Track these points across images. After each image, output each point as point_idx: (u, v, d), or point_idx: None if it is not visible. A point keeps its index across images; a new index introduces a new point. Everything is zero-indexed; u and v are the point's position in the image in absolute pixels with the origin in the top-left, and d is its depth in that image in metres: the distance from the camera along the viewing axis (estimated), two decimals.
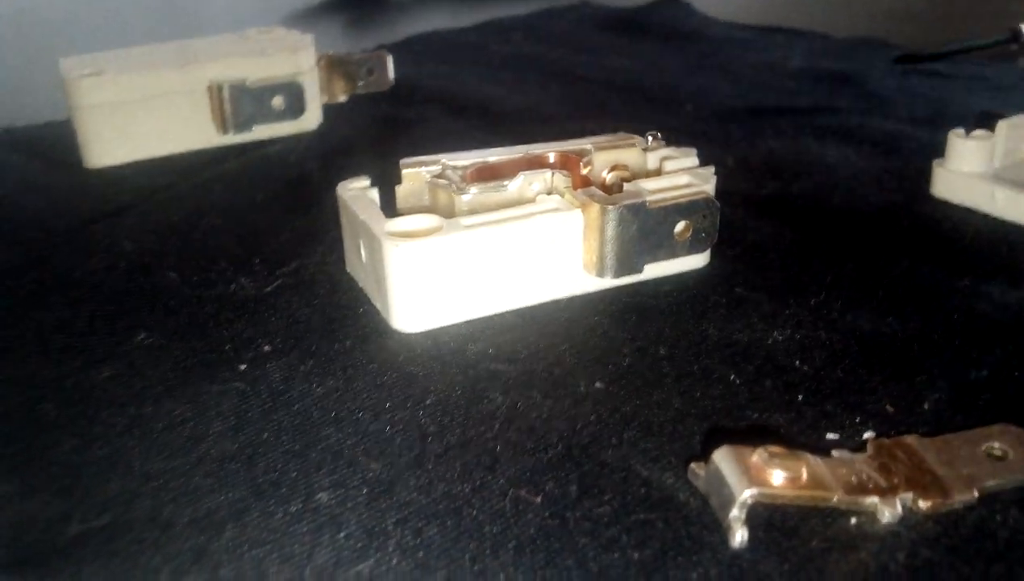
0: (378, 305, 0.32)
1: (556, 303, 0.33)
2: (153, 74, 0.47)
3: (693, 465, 0.23)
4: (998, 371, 0.28)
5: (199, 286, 0.35)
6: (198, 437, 0.26)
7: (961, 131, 0.41)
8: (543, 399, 0.27)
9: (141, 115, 0.47)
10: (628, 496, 0.23)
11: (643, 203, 0.31)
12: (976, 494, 0.22)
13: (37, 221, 0.41)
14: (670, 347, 0.30)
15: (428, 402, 0.27)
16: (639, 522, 0.22)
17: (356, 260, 0.34)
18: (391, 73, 0.56)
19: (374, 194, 0.34)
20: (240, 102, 0.48)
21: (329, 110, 0.53)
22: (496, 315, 0.32)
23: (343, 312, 0.33)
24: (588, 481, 0.24)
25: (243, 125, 0.49)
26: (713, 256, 0.36)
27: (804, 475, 0.22)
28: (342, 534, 0.22)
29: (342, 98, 0.54)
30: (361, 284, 0.34)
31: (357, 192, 0.34)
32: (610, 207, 0.31)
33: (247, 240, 0.39)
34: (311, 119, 0.51)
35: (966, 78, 0.61)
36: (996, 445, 0.24)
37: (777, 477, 0.21)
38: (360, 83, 0.55)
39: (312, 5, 0.93)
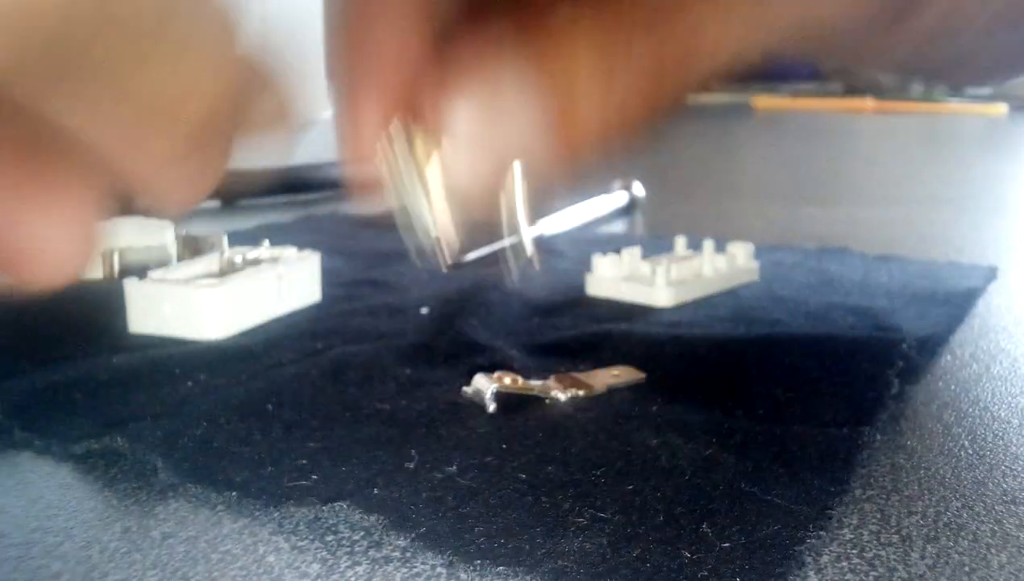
0: None
1: None
2: None
3: (464, 387, 0.43)
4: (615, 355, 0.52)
5: None
6: None
7: (600, 254, 0.66)
8: None
9: None
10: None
11: None
12: (606, 388, 0.44)
13: None
14: None
15: None
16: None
17: None
18: None
19: None
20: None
21: None
22: None
23: None
24: None
25: None
26: None
27: (520, 381, 0.43)
28: None
29: None
30: None
31: None
32: None
33: None
34: None
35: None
36: (615, 372, 0.46)
37: (507, 380, 0.42)
38: None
39: None
